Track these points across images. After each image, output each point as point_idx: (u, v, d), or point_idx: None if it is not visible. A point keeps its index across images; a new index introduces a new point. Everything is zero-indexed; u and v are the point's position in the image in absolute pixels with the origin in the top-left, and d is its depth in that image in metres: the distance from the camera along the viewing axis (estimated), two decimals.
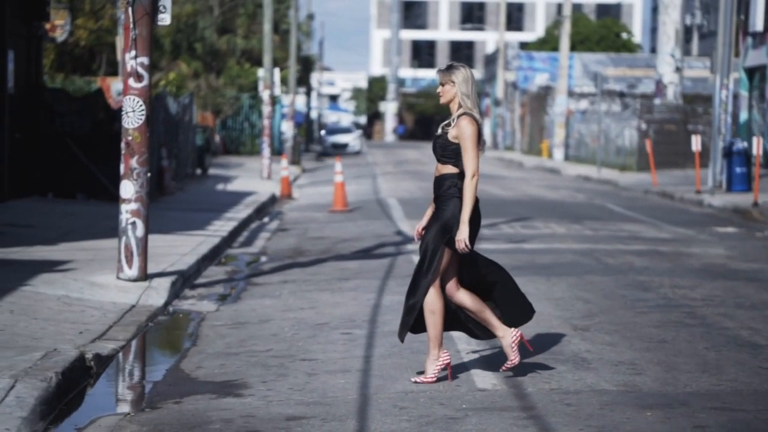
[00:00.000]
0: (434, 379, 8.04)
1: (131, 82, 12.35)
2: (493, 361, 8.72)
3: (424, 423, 7.00)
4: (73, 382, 8.25)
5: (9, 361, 8.23)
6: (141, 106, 12.36)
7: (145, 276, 12.46)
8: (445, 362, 8.07)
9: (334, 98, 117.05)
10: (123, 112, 12.43)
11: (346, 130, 69.41)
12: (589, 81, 69.03)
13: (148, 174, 12.63)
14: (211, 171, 35.64)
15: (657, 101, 42.77)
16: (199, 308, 11.99)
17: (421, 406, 7.41)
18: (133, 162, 12.39)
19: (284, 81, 49.00)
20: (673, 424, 6.96)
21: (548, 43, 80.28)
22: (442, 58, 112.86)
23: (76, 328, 10.13)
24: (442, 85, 8.03)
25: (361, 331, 10.16)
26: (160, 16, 12.64)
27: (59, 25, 29.12)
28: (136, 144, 12.38)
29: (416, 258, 15.25)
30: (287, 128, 42.86)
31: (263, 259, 16.21)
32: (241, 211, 22.31)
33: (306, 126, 68.94)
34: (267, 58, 33.74)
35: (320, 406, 7.53)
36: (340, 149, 64.51)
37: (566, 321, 10.45)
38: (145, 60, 12.37)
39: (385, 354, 9.14)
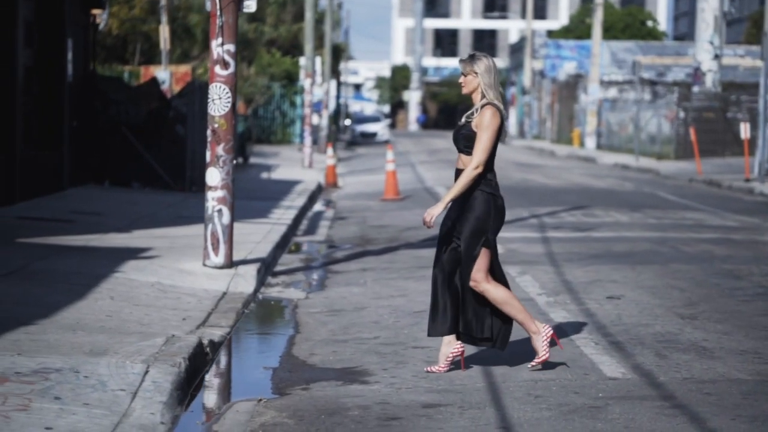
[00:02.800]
0: (547, 354, 7.86)
1: (218, 69, 12.32)
2: (614, 349, 8.68)
3: (566, 412, 6.96)
4: (197, 368, 8.25)
5: (134, 346, 8.23)
6: (227, 93, 12.33)
7: (230, 263, 12.45)
8: (548, 334, 7.91)
9: (357, 87, 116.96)
10: (209, 100, 12.39)
11: (374, 119, 69.35)
12: (617, 69, 68.93)
13: (234, 161, 12.60)
14: (251, 160, 35.62)
15: (695, 89, 42.58)
16: (287, 295, 11.97)
17: (556, 395, 7.37)
18: (219, 149, 12.35)
19: None
20: None
21: (572, 31, 79.96)
22: (465, 47, 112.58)
23: (178, 314, 10.13)
24: (465, 75, 7.86)
25: None
26: (246, 3, 12.61)
27: (97, 14, 29.19)
28: (222, 131, 12.35)
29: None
30: (323, 117, 42.77)
31: (332, 247, 16.18)
32: (296, 200, 22.30)
33: (335, 116, 68.89)
34: (308, 47, 33.67)
35: (452, 393, 7.50)
36: (368, 138, 64.48)
37: (669, 310, 10.39)
38: (231, 47, 12.35)
39: None
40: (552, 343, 8.03)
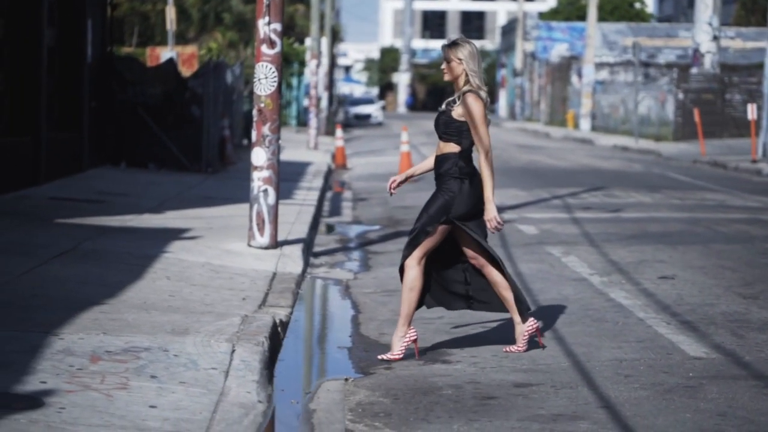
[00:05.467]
0: (400, 356, 7.91)
1: (264, 48, 12.27)
2: (687, 329, 8.71)
3: (662, 391, 6.98)
4: (274, 348, 8.25)
5: (213, 326, 8.22)
6: (273, 72, 12.28)
7: (276, 243, 12.44)
8: (411, 338, 7.96)
9: (347, 69, 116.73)
10: (255, 79, 12.34)
11: (368, 101, 69.26)
12: (608, 51, 68.89)
13: (279, 141, 12.57)
14: None
15: (694, 70, 42.65)
16: (335, 276, 11.97)
17: (646, 375, 7.38)
18: (265, 129, 12.32)
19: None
20: None
21: (560, 13, 79.87)
22: (453, 28, 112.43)
23: (236, 294, 10.11)
24: (448, 61, 7.78)
25: None
26: None
27: None
28: (268, 111, 12.31)
29: (520, 226, 15.30)
30: (323, 98, 42.69)
31: (363, 227, 16.17)
32: (314, 181, 22.29)
33: (329, 98, 68.74)
34: (314, 27, 33.58)
35: (539, 373, 7.51)
36: (362, 120, 64.38)
37: (728, 290, 10.43)
38: (278, 26, 12.30)
39: (566, 322, 9.12)
40: (411, 351, 8.01)
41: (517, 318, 8.04)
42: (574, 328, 8.85)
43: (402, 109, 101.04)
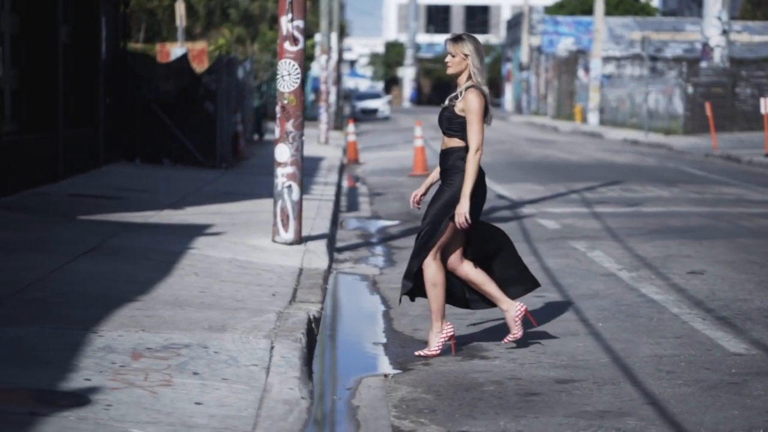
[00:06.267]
0: (438, 352, 7.91)
1: (287, 45, 12.23)
2: (724, 325, 8.68)
3: (706, 387, 6.94)
4: (310, 344, 8.22)
5: (249, 322, 8.20)
6: (296, 69, 12.25)
7: (300, 239, 12.42)
8: (449, 334, 7.97)
9: (351, 64, 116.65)
10: (278, 76, 12.32)
11: (374, 96, 69.16)
12: (615, 45, 68.80)
13: (303, 137, 12.54)
14: (266, 137, 35.48)
15: (703, 64, 42.58)
16: (361, 271, 11.94)
17: (688, 371, 7.34)
18: (289, 125, 12.29)
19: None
20: None
21: (565, 7, 79.80)
22: (457, 23, 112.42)
23: (265, 290, 10.07)
24: (453, 56, 7.79)
25: (552, 295, 10.09)
26: None
27: None
28: (291, 107, 12.28)
29: (541, 221, 15.27)
30: (331, 94, 42.63)
31: (383, 222, 16.14)
32: (329, 176, 22.25)
33: (337, 92, 68.68)
34: (324, 23, 33.55)
35: (580, 369, 7.47)
36: (369, 115, 64.31)
37: (760, 285, 10.39)
38: (300, 23, 12.27)
39: (600, 317, 9.09)
40: (447, 347, 8.01)
41: (503, 307, 8.01)
42: (609, 324, 8.81)
43: (407, 103, 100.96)
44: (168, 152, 22.33)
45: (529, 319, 8.15)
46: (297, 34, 12.23)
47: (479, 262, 8.07)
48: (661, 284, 10.42)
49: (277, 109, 12.38)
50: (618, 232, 14.11)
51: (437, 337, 7.97)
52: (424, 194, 8.18)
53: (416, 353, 8.01)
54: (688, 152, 32.99)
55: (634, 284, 10.44)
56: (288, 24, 12.23)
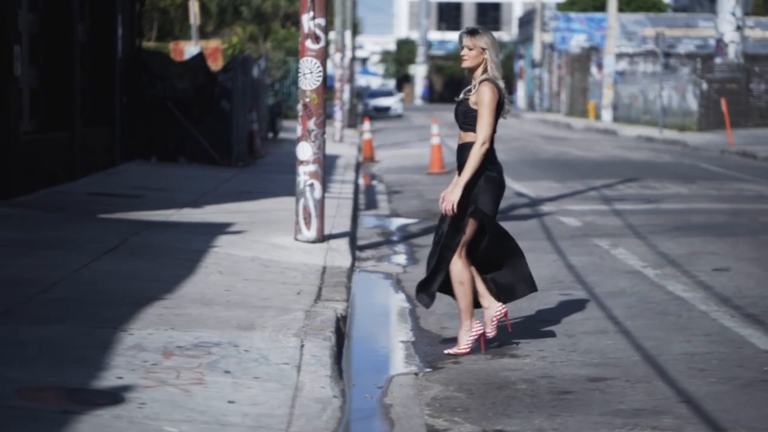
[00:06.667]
0: (468, 350, 7.87)
1: (308, 43, 12.18)
2: (753, 322, 8.62)
3: (739, 385, 6.89)
4: (339, 342, 8.18)
5: (278, 320, 8.17)
6: (318, 67, 12.21)
7: (322, 237, 12.38)
8: (478, 332, 7.92)
9: (363, 61, 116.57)
10: (300, 74, 12.28)
11: (387, 93, 69.07)
12: (627, 41, 68.65)
13: (325, 135, 12.50)
14: (280, 135, 35.45)
15: (718, 60, 42.45)
16: (384, 270, 11.91)
17: (721, 369, 7.29)
18: (311, 124, 12.25)
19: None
20: None
21: (577, 4, 79.67)
22: (469, 20, 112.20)
23: (290, 288, 10.04)
24: (470, 49, 7.71)
25: (578, 293, 10.04)
26: None
27: None
28: (313, 105, 12.24)
29: (562, 219, 15.21)
30: (345, 92, 42.54)
31: (402, 220, 16.10)
32: (346, 174, 22.22)
33: (350, 90, 68.62)
34: (338, 20, 33.50)
35: (611, 367, 7.42)
36: (382, 112, 64.23)
37: None
38: (322, 21, 12.22)
39: (627, 315, 9.03)
40: (477, 345, 7.95)
41: (485, 303, 7.97)
42: (638, 322, 8.76)
43: (419, 101, 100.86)
44: (184, 151, 22.30)
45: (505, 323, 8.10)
46: (318, 32, 12.19)
47: (484, 262, 7.97)
48: (687, 281, 10.36)
49: (299, 107, 12.34)
50: (640, 229, 14.05)
51: (467, 335, 7.93)
52: None
53: (445, 351, 7.97)
54: (703, 149, 32.87)
55: (660, 281, 10.39)
56: (309, 22, 12.19)
